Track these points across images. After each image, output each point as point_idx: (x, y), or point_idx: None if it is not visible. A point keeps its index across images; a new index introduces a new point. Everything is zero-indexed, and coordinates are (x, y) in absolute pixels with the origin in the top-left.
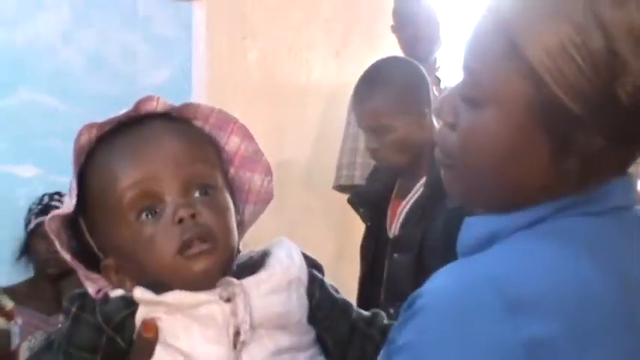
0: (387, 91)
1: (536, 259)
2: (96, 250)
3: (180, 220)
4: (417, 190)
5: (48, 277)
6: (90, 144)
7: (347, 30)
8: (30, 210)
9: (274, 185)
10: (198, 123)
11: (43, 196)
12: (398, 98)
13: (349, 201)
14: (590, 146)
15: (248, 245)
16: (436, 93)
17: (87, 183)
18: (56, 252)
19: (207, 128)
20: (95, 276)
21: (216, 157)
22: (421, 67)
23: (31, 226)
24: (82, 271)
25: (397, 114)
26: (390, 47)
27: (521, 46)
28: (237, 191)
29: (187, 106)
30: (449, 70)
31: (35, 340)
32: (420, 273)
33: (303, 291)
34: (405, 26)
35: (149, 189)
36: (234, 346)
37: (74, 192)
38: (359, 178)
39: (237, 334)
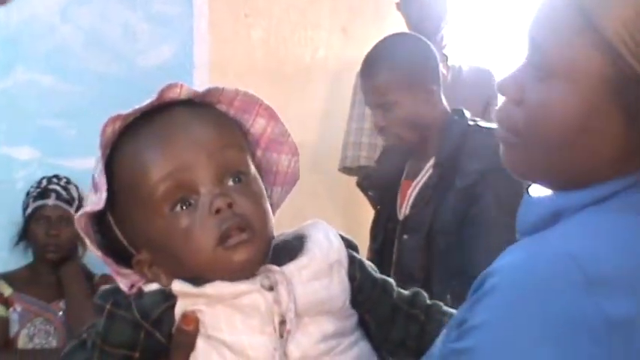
0: (394, 67)
1: (613, 235)
2: (126, 245)
3: (218, 211)
4: (427, 170)
5: (47, 263)
6: (114, 136)
7: (352, 7)
8: (28, 194)
9: None
10: (222, 107)
11: (42, 179)
12: (405, 74)
13: (358, 184)
14: None
15: None
16: (443, 71)
17: (115, 177)
18: (55, 236)
19: (231, 112)
20: (127, 271)
21: (244, 141)
22: (430, 44)
23: (30, 210)
24: (112, 267)
25: (404, 90)
26: (397, 25)
27: (595, 18)
28: (264, 174)
29: (211, 90)
30: (456, 47)
31: (34, 327)
32: (430, 253)
33: (344, 274)
34: (412, 3)
35: (182, 180)
36: (281, 335)
37: (103, 187)
38: (365, 158)
39: (282, 322)
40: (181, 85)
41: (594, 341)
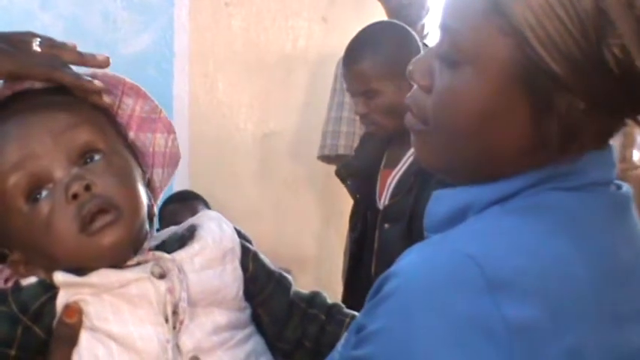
0: (377, 54)
1: (515, 237)
2: None
3: (75, 196)
4: (408, 158)
5: None
6: None
7: None
8: None
9: (258, 155)
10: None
11: None
12: (388, 61)
13: (336, 173)
14: (572, 111)
15: (235, 219)
16: None
17: None
18: None
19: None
20: None
21: (102, 120)
22: (412, 32)
23: None
24: None
25: (387, 77)
26: (377, 14)
27: (503, 3)
28: (141, 156)
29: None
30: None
31: None
32: (412, 242)
33: (237, 263)
34: None
35: (32, 169)
36: (173, 326)
37: None
38: (343, 147)
39: (174, 313)
40: None
41: (495, 344)
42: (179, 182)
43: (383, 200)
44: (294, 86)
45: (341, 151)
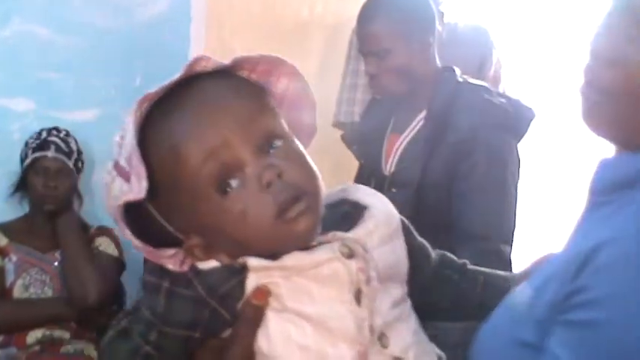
0: (391, 14)
1: None
2: (172, 231)
3: (269, 184)
4: (417, 123)
5: (43, 214)
6: (142, 119)
7: None
8: (27, 144)
9: None
10: (244, 73)
11: (41, 130)
12: (401, 22)
13: (342, 139)
14: None
15: None
16: (439, 28)
17: (150, 163)
18: (54, 188)
19: (254, 77)
20: (168, 252)
21: (274, 104)
22: None
23: (28, 160)
24: (154, 254)
25: (399, 38)
26: None
27: None
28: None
29: (236, 60)
30: (452, 4)
31: (30, 277)
32: (419, 208)
33: (402, 238)
34: None
35: (224, 158)
36: (358, 303)
37: (143, 174)
38: (358, 114)
39: (359, 290)
40: (209, 59)
41: None
42: None
43: (389, 166)
44: (310, 52)
45: (356, 118)
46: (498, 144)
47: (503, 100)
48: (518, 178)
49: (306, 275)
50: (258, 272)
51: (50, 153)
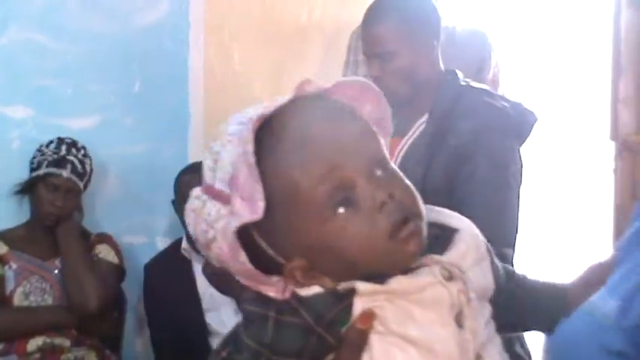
0: (396, 17)
1: None
2: (273, 255)
3: (382, 204)
4: (419, 126)
5: (45, 225)
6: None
7: None
8: (42, 152)
9: None
10: (335, 96)
11: (60, 144)
12: (406, 24)
13: None
14: None
15: None
16: None
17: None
18: (61, 207)
19: (344, 100)
20: (274, 278)
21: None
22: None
23: (41, 172)
24: (259, 278)
25: (404, 41)
26: None
27: None
28: None
29: (337, 83)
30: (451, 7)
31: (30, 285)
32: None
33: (489, 261)
34: None
35: (339, 179)
36: (459, 325)
37: (259, 195)
38: None
39: (459, 313)
40: (313, 82)
41: None
42: (194, 153)
43: None
44: (308, 57)
45: None
46: (500, 147)
47: (505, 103)
48: (520, 182)
49: (409, 299)
50: (365, 297)
51: (66, 173)
